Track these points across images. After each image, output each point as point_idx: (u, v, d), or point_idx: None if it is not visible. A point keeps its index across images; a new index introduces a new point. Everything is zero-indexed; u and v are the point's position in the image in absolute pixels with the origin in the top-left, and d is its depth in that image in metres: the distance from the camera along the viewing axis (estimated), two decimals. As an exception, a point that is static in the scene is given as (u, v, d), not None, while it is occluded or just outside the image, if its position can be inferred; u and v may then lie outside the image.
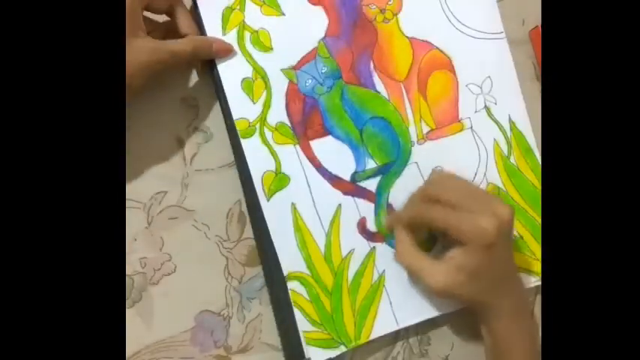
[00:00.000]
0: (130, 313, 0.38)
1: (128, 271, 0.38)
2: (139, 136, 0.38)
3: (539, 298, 0.42)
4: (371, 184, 0.40)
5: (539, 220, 0.41)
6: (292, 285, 0.38)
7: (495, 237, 0.33)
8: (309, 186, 0.39)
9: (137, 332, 0.38)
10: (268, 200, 0.38)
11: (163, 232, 0.39)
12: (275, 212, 0.38)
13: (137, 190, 0.38)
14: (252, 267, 0.39)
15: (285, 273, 0.38)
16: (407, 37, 0.41)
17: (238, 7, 0.39)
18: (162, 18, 0.39)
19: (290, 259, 0.38)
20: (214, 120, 0.40)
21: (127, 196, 0.38)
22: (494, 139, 0.41)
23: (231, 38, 0.39)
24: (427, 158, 0.41)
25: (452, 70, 0.41)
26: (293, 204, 0.39)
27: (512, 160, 0.41)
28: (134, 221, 0.38)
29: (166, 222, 0.39)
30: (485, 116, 0.41)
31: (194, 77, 0.40)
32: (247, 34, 0.39)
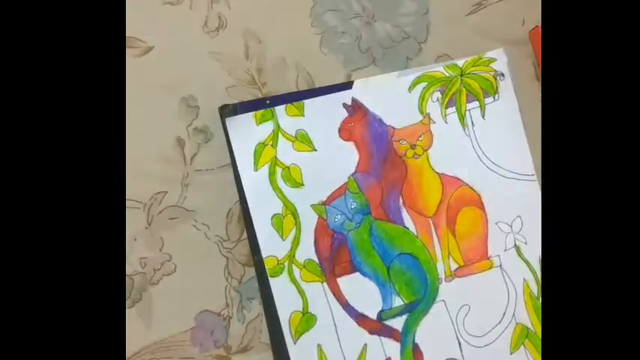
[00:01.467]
0: (130, 313, 0.38)
1: (128, 271, 0.38)
2: (139, 136, 0.39)
3: None
4: (397, 323, 0.39)
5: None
6: None
7: None
8: (335, 325, 0.39)
9: (137, 332, 0.38)
10: (295, 343, 0.38)
11: (163, 232, 0.39)
12: (301, 355, 0.38)
13: (137, 190, 0.38)
14: (252, 267, 0.39)
15: (309, 422, 0.37)
16: (436, 172, 0.41)
17: (271, 143, 0.40)
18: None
19: (315, 407, 0.38)
20: (214, 120, 0.40)
21: (127, 196, 0.38)
22: (524, 279, 0.41)
23: (262, 174, 0.39)
24: (455, 296, 0.40)
25: (481, 207, 0.41)
26: (319, 345, 0.38)
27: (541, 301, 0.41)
28: (134, 221, 0.38)
29: (166, 222, 0.39)
30: (515, 255, 0.41)
31: (194, 77, 0.40)
32: (279, 170, 0.40)
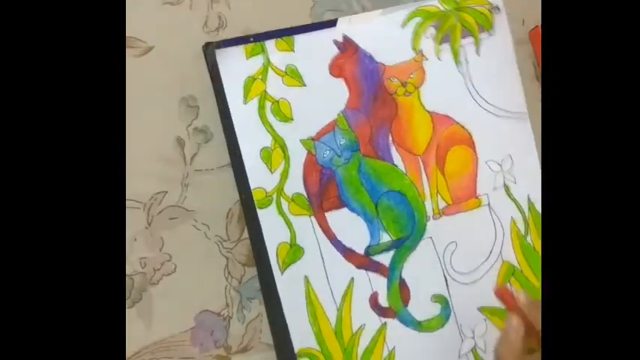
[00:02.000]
0: (130, 313, 0.38)
1: (128, 271, 0.38)
2: (139, 136, 0.39)
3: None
4: (384, 258, 0.40)
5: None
6: (302, 362, 0.38)
7: None
8: (322, 259, 0.39)
9: (137, 332, 0.38)
10: (282, 273, 0.38)
11: (163, 232, 0.39)
12: (288, 286, 0.38)
13: (137, 190, 0.38)
14: (252, 267, 0.39)
15: (295, 350, 0.38)
16: (427, 110, 0.41)
17: (260, 77, 0.40)
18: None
19: (301, 335, 0.38)
20: (214, 120, 0.40)
21: (127, 196, 0.38)
22: (512, 218, 0.41)
23: (252, 107, 0.39)
24: (442, 233, 0.40)
25: (472, 145, 0.41)
26: (306, 277, 0.39)
27: (528, 240, 0.41)
28: (134, 221, 0.38)
29: (166, 222, 0.39)
30: (503, 194, 0.41)
31: (194, 77, 0.40)
32: (268, 104, 0.39)
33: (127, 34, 0.39)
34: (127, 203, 0.38)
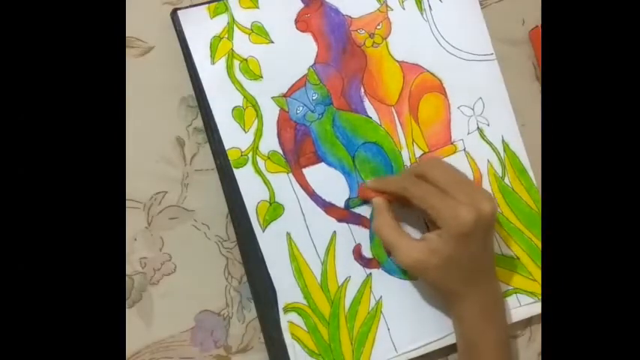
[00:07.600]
0: (130, 313, 0.38)
1: (128, 271, 0.38)
2: (139, 136, 0.38)
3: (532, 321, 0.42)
4: (365, 210, 0.40)
5: (535, 241, 0.41)
6: (289, 317, 0.38)
7: (471, 228, 0.33)
8: (303, 214, 0.39)
9: (137, 332, 0.38)
10: (263, 231, 0.38)
11: (163, 232, 0.39)
12: (271, 243, 0.38)
13: (137, 190, 0.38)
14: None
15: (281, 305, 0.38)
16: (397, 60, 0.41)
17: (226, 36, 0.39)
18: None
19: (287, 291, 0.38)
20: None
21: (127, 196, 0.38)
22: (488, 161, 0.41)
23: (219, 67, 0.39)
24: (421, 182, 0.40)
25: (443, 92, 0.41)
26: (288, 233, 0.38)
27: (506, 180, 0.41)
28: (134, 221, 0.38)
29: (166, 222, 0.39)
30: (478, 138, 0.41)
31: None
32: (236, 63, 0.39)
33: (127, 34, 0.38)
34: (127, 203, 0.38)
